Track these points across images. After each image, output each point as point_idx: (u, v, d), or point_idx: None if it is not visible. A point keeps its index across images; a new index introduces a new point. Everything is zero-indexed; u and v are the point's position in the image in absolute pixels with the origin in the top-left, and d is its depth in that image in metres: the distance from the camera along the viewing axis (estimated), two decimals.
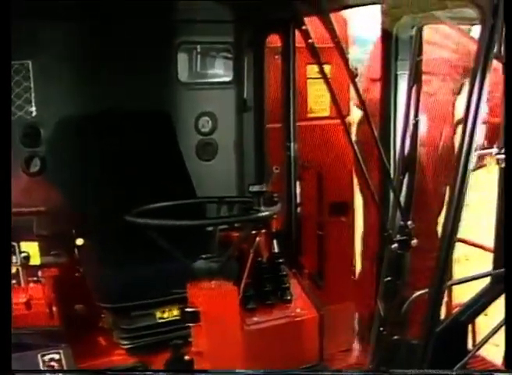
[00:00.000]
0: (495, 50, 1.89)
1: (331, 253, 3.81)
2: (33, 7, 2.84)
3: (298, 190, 3.45)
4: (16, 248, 2.76)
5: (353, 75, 1.97)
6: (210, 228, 2.41)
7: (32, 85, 3.09)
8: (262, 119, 3.60)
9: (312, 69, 3.87)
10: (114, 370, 2.62)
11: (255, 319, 3.04)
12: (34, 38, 2.97)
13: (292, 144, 3.39)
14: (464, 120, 1.94)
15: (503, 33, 1.89)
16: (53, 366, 2.46)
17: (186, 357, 2.29)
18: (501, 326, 2.36)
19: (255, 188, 2.26)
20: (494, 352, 3.05)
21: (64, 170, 3.09)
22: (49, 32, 2.98)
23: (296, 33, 3.27)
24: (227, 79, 3.53)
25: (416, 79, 2.34)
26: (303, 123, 3.66)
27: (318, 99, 3.96)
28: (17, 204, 2.67)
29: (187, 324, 2.27)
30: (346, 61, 1.89)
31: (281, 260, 3.23)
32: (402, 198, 2.33)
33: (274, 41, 3.54)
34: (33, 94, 3.11)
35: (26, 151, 3.12)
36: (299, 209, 3.47)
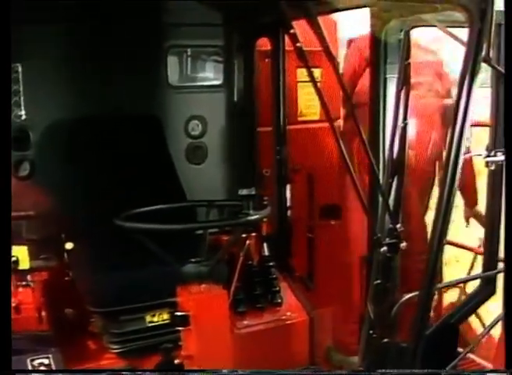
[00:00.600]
0: (483, 53, 1.90)
1: (321, 256, 3.81)
2: (22, 10, 2.84)
3: (288, 193, 3.45)
4: None
5: (341, 78, 1.97)
6: (200, 232, 2.40)
7: (21, 88, 3.08)
8: (252, 123, 3.60)
9: (302, 73, 3.88)
10: (116, 370, 2.61)
11: (245, 322, 3.04)
12: (23, 41, 2.95)
13: (282, 147, 3.40)
14: (453, 123, 1.95)
15: (491, 37, 1.90)
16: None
17: (177, 361, 2.29)
18: (491, 327, 2.38)
19: (244, 192, 2.26)
20: (484, 354, 3.08)
21: (53, 174, 3.08)
22: (38, 35, 2.96)
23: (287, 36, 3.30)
24: (217, 82, 3.53)
25: (405, 82, 2.35)
26: (293, 126, 3.67)
27: (308, 103, 3.97)
28: None
29: (177, 328, 2.26)
30: (334, 64, 1.90)
31: (271, 263, 3.23)
32: (391, 202, 2.34)
33: (264, 44, 3.55)
34: (22, 98, 3.10)
35: (15, 154, 3.10)
36: (289, 212, 3.48)
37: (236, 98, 3.62)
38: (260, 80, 3.60)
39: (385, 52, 2.56)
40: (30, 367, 2.45)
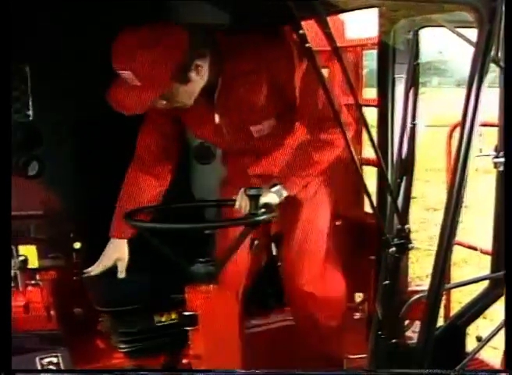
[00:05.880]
0: (492, 54, 1.90)
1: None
2: (31, 10, 2.85)
3: None
4: (14, 251, 2.76)
5: (350, 78, 1.96)
6: (208, 231, 2.41)
7: (29, 89, 3.10)
8: None
9: None
10: (119, 371, 2.63)
11: (254, 322, 3.04)
12: (31, 41, 2.97)
13: None
14: (462, 124, 1.94)
15: (501, 37, 1.89)
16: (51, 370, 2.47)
17: (184, 360, 2.29)
18: (500, 328, 2.37)
19: (252, 192, 2.25)
20: (493, 355, 3.07)
21: (62, 173, 3.10)
22: (46, 35, 2.97)
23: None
24: None
25: (413, 82, 2.35)
26: None
27: None
28: (15, 207, 2.67)
29: (185, 328, 2.27)
30: (343, 65, 1.89)
31: (279, 263, 3.23)
32: (399, 202, 2.33)
33: None
34: (30, 98, 3.11)
35: (23, 154, 3.12)
36: None
37: None
38: None
39: (393, 52, 2.55)
40: (39, 366, 2.46)
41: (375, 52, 3.82)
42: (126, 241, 2.71)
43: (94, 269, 2.69)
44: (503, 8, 1.85)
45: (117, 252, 2.69)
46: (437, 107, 11.00)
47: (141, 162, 2.77)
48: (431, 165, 8.59)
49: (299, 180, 2.61)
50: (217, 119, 2.64)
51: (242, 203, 2.48)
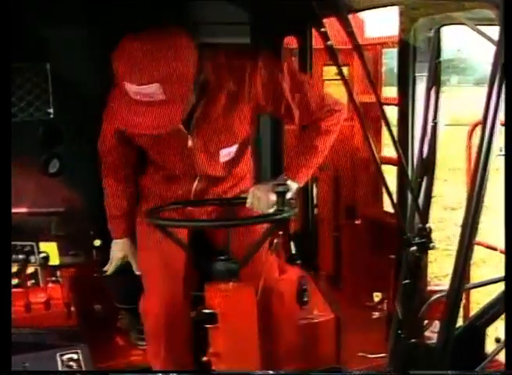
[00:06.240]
0: None
1: (348, 255, 3.81)
2: (50, 9, 2.88)
3: (315, 191, 3.45)
4: (35, 248, 2.79)
5: (371, 76, 1.96)
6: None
7: (50, 87, 3.12)
8: (280, 121, 3.60)
9: (329, 71, 3.88)
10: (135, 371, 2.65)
11: None
12: (51, 40, 2.99)
13: None
14: (483, 123, 1.93)
15: None
16: (71, 366, 2.49)
17: (204, 358, 2.29)
18: None
19: (280, 189, 2.25)
20: None
21: (82, 171, 3.12)
22: (67, 34, 3.00)
23: (314, 34, 3.30)
24: None
25: (435, 81, 2.33)
26: None
27: None
28: (36, 204, 2.70)
29: (205, 326, 2.27)
30: (364, 63, 1.89)
31: (298, 262, 3.23)
32: (420, 201, 2.32)
33: (291, 42, 3.55)
34: (51, 96, 3.14)
35: (44, 152, 3.15)
36: (315, 211, 3.48)
37: None
38: None
39: (414, 51, 2.54)
40: (59, 362, 2.48)
41: (393, 50, 3.83)
42: (127, 239, 2.71)
43: (109, 269, 2.72)
44: None
45: (121, 251, 2.70)
46: (456, 106, 10.93)
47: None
48: (449, 164, 8.54)
49: (306, 170, 2.60)
50: (190, 142, 2.49)
51: (254, 201, 2.48)
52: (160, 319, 2.45)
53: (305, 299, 3.18)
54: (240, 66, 2.43)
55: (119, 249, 2.71)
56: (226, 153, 2.60)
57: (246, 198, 2.51)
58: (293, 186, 2.51)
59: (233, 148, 2.60)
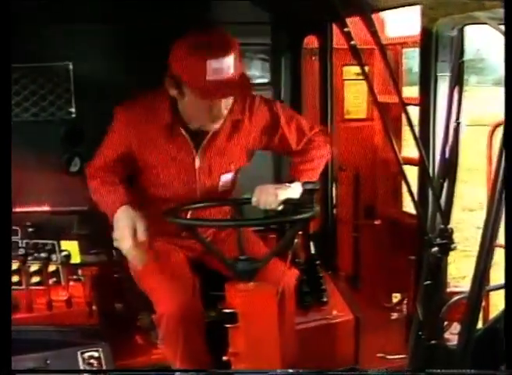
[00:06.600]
0: None
1: (367, 256, 3.80)
2: (74, 8, 2.90)
3: (334, 192, 3.45)
4: (56, 246, 2.80)
5: (394, 75, 1.95)
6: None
7: (72, 86, 3.14)
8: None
9: (348, 71, 3.87)
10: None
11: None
12: (74, 40, 3.01)
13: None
14: (505, 123, 1.91)
15: None
16: (92, 364, 2.51)
17: (224, 358, 2.29)
18: None
19: (309, 186, 2.25)
20: None
21: None
22: (89, 34, 3.01)
23: (334, 34, 3.29)
24: (264, 80, 3.54)
25: (458, 81, 2.32)
26: (339, 124, 3.66)
27: (354, 101, 3.96)
28: (57, 203, 2.72)
29: (225, 325, 2.27)
30: (388, 63, 1.88)
31: (318, 262, 3.22)
32: (442, 202, 2.31)
33: (311, 42, 3.55)
34: (73, 95, 3.16)
35: (66, 151, 3.17)
36: (335, 211, 3.47)
37: (282, 97, 3.63)
38: (307, 79, 3.61)
39: (436, 50, 2.53)
40: (80, 360, 2.50)
41: (411, 50, 3.82)
42: (128, 205, 2.46)
43: (126, 243, 2.40)
44: None
45: (127, 218, 2.40)
46: (475, 106, 10.84)
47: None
48: (468, 165, 8.48)
49: (312, 173, 2.68)
50: (197, 163, 2.62)
51: (261, 197, 2.51)
52: (175, 324, 2.44)
53: (324, 299, 3.19)
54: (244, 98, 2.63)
55: (125, 216, 2.41)
56: (225, 179, 2.71)
57: (249, 199, 2.54)
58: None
59: (230, 176, 2.73)
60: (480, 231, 2.09)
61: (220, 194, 2.72)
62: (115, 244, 2.40)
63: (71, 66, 3.12)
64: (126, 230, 2.37)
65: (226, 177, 2.71)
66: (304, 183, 2.30)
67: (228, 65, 2.31)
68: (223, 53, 2.31)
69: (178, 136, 2.56)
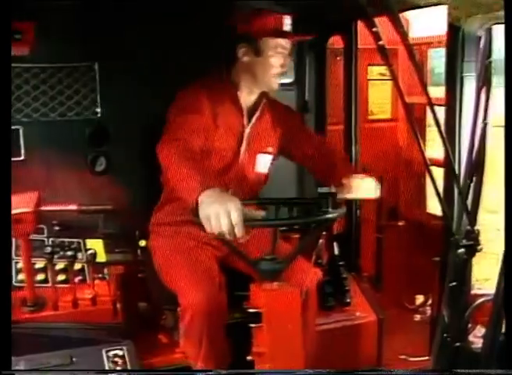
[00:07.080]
0: None
1: (390, 257, 3.78)
2: (101, 10, 2.92)
3: None
4: (82, 245, 2.83)
5: (421, 76, 1.94)
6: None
7: (98, 86, 3.16)
8: (323, 121, 3.60)
9: (373, 71, 3.86)
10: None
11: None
12: (100, 40, 3.03)
13: (353, 146, 3.38)
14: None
15: None
16: (117, 362, 2.51)
17: (248, 357, 2.29)
18: None
19: (324, 189, 2.25)
20: None
21: (128, 170, 3.16)
22: (115, 34, 3.03)
23: (359, 34, 3.28)
24: (289, 80, 3.53)
25: (485, 81, 2.30)
26: (363, 125, 3.65)
27: (378, 101, 3.94)
28: (83, 202, 2.74)
29: (249, 325, 2.27)
30: (415, 63, 1.87)
31: (341, 263, 3.22)
32: (469, 203, 2.29)
33: (336, 42, 3.54)
34: (98, 95, 3.18)
35: (91, 150, 3.19)
36: (359, 212, 3.46)
37: (307, 96, 3.63)
38: (331, 79, 3.60)
39: (462, 50, 2.51)
40: (105, 358, 2.51)
41: (435, 50, 3.79)
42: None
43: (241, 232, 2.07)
44: None
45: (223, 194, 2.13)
46: (496, 106, 10.73)
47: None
48: (490, 166, 8.40)
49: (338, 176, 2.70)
50: (246, 133, 2.77)
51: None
52: (199, 317, 2.45)
53: (347, 300, 3.18)
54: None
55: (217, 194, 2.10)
56: (262, 161, 2.84)
57: (307, 199, 2.55)
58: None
59: (268, 159, 2.86)
60: (500, 233, 2.07)
61: (254, 177, 2.81)
62: (206, 225, 2.08)
63: (97, 66, 3.14)
64: (233, 205, 2.04)
65: (264, 159, 2.82)
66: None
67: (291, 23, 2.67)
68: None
69: (238, 110, 2.73)
